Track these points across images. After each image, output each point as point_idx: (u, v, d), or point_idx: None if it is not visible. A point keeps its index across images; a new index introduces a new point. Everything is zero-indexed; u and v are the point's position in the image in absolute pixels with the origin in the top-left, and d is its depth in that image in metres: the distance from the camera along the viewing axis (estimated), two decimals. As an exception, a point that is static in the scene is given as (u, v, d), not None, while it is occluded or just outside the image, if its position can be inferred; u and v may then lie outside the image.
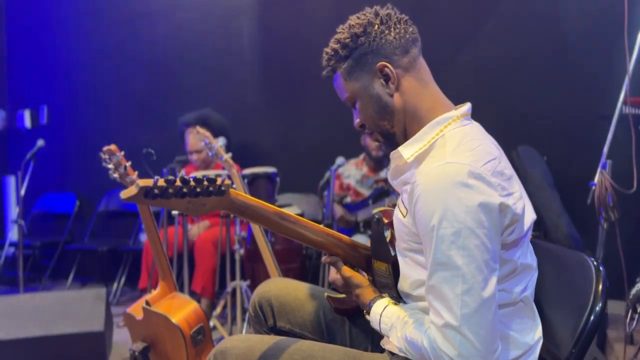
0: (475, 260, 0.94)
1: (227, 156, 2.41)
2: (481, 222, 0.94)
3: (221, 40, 4.00)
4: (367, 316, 1.18)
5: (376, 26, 1.12)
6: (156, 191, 0.90)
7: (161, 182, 0.91)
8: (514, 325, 1.09)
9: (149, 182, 0.90)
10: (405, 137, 1.14)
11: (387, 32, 1.12)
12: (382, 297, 1.18)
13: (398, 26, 1.12)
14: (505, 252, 1.02)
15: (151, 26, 4.13)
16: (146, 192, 0.90)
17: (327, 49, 1.18)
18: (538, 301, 1.22)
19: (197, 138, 3.33)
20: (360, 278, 1.23)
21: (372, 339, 1.35)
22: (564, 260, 1.35)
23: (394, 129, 1.14)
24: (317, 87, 3.69)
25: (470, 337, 0.92)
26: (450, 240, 0.94)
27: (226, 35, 3.98)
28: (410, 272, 1.11)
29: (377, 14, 1.13)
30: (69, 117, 4.38)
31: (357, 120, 1.19)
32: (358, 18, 1.14)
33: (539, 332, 1.14)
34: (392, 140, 1.17)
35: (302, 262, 2.93)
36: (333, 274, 1.28)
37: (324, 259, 1.26)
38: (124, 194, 0.91)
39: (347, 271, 1.23)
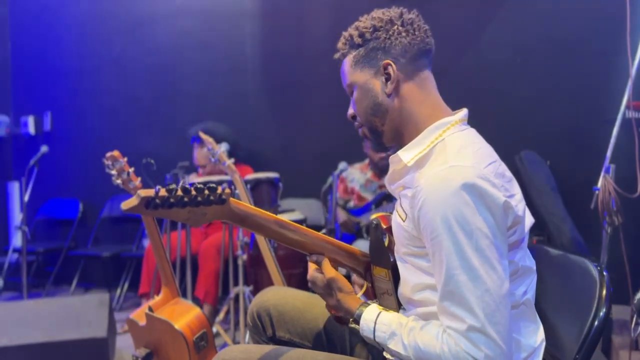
0: (488, 259, 0.95)
1: (230, 162, 2.42)
2: (488, 222, 0.95)
3: (223, 46, 4.01)
4: (352, 325, 1.13)
5: (396, 26, 1.13)
6: (157, 201, 0.89)
7: (162, 191, 0.90)
8: (518, 328, 1.09)
9: (150, 192, 0.89)
10: (396, 139, 1.15)
11: (404, 34, 1.12)
12: (369, 304, 1.14)
13: (416, 33, 1.13)
14: (508, 253, 1.02)
15: (154, 33, 4.15)
16: (147, 203, 0.89)
17: (345, 33, 1.19)
18: (542, 306, 1.22)
19: (201, 153, 3.42)
20: (344, 282, 1.16)
21: (373, 348, 1.33)
22: (567, 265, 1.34)
23: (384, 127, 1.15)
24: (319, 92, 3.72)
25: (495, 336, 0.93)
26: (464, 242, 0.95)
27: (229, 41, 4.00)
28: (411, 277, 1.11)
29: (401, 15, 1.14)
30: (72, 124, 4.39)
31: (350, 111, 1.21)
32: (383, 13, 1.15)
33: (541, 335, 1.14)
34: (379, 139, 1.18)
35: (305, 268, 2.90)
36: (312, 272, 1.19)
37: (309, 257, 1.21)
38: (125, 205, 0.89)
39: (330, 272, 1.16)
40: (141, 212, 0.90)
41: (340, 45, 1.20)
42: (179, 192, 0.92)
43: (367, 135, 1.20)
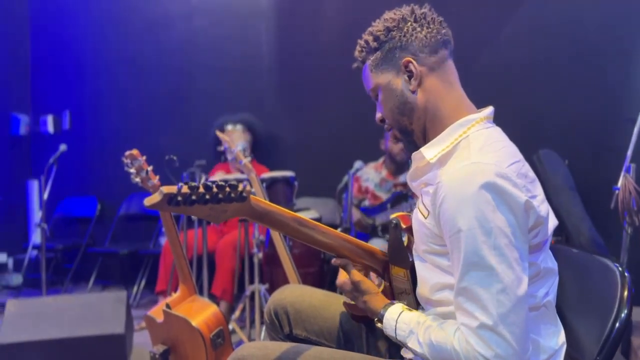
0: (506, 259, 0.94)
1: (246, 160, 2.43)
2: (508, 221, 0.94)
3: (239, 44, 4.03)
4: (378, 324, 1.15)
5: (409, 23, 1.12)
6: (180, 198, 0.90)
7: (185, 188, 0.90)
8: (538, 330, 1.07)
9: (172, 189, 0.89)
10: (424, 137, 1.14)
11: (419, 29, 1.12)
12: (394, 303, 1.14)
13: (431, 26, 1.13)
14: (530, 255, 1.01)
15: (170, 32, 4.18)
16: (170, 199, 0.89)
17: (360, 41, 1.19)
18: (561, 307, 1.20)
19: (239, 137, 3.43)
20: (369, 284, 1.19)
21: (390, 346, 1.33)
22: (587, 265, 1.33)
23: (413, 125, 1.14)
24: (334, 90, 3.72)
25: (507, 337, 0.92)
26: (482, 240, 0.94)
27: (244, 39, 4.01)
28: (429, 276, 1.10)
29: (412, 12, 1.14)
30: (91, 122, 4.45)
31: (378, 115, 1.20)
32: (394, 13, 1.15)
33: (562, 337, 1.12)
34: (410, 138, 1.17)
35: (320, 266, 2.93)
36: (341, 277, 1.24)
37: (333, 260, 1.23)
38: (148, 201, 0.90)
39: (356, 275, 1.19)
40: (163, 208, 0.90)
41: (357, 53, 1.20)
42: (201, 189, 0.92)
43: (399, 137, 1.19)
